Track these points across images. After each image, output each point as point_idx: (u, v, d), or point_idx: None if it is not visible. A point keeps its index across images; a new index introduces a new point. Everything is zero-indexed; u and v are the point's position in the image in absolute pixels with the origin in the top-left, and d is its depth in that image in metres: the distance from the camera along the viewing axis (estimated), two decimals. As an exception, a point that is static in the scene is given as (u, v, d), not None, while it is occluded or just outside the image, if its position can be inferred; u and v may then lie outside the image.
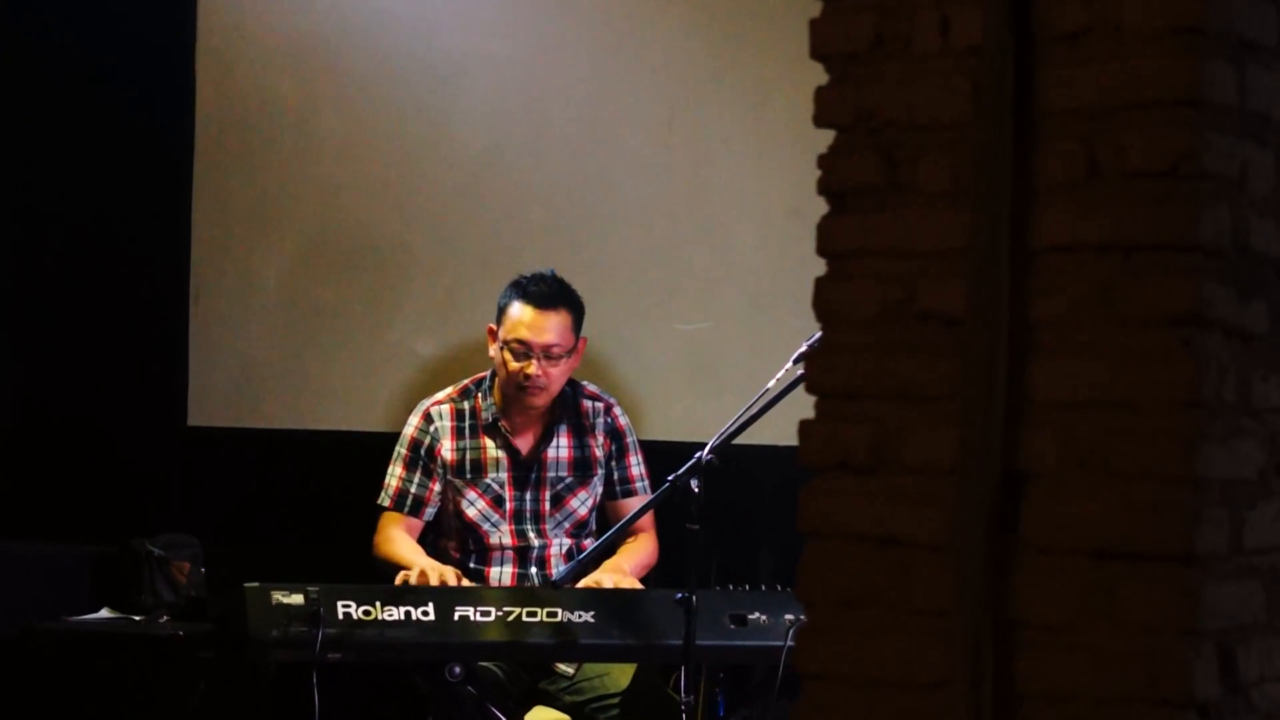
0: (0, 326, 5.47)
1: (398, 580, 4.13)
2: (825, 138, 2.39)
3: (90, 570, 5.00)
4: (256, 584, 3.87)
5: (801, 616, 3.95)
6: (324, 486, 5.20)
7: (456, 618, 3.93)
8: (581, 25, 5.11)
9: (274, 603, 3.84)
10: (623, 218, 5.09)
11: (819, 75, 2.40)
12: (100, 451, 5.40)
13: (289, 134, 5.24)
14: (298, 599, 3.86)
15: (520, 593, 4.10)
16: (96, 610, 4.91)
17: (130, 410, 5.39)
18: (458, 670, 3.97)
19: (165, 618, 4.82)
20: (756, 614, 4.07)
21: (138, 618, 4.83)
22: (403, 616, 3.91)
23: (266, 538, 5.13)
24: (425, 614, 3.92)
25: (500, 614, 3.95)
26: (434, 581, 4.08)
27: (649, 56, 5.06)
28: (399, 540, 4.39)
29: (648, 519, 4.44)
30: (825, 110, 2.34)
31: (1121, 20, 2.16)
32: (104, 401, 5.42)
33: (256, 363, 5.25)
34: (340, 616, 3.86)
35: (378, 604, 3.89)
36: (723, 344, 5.03)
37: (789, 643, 3.98)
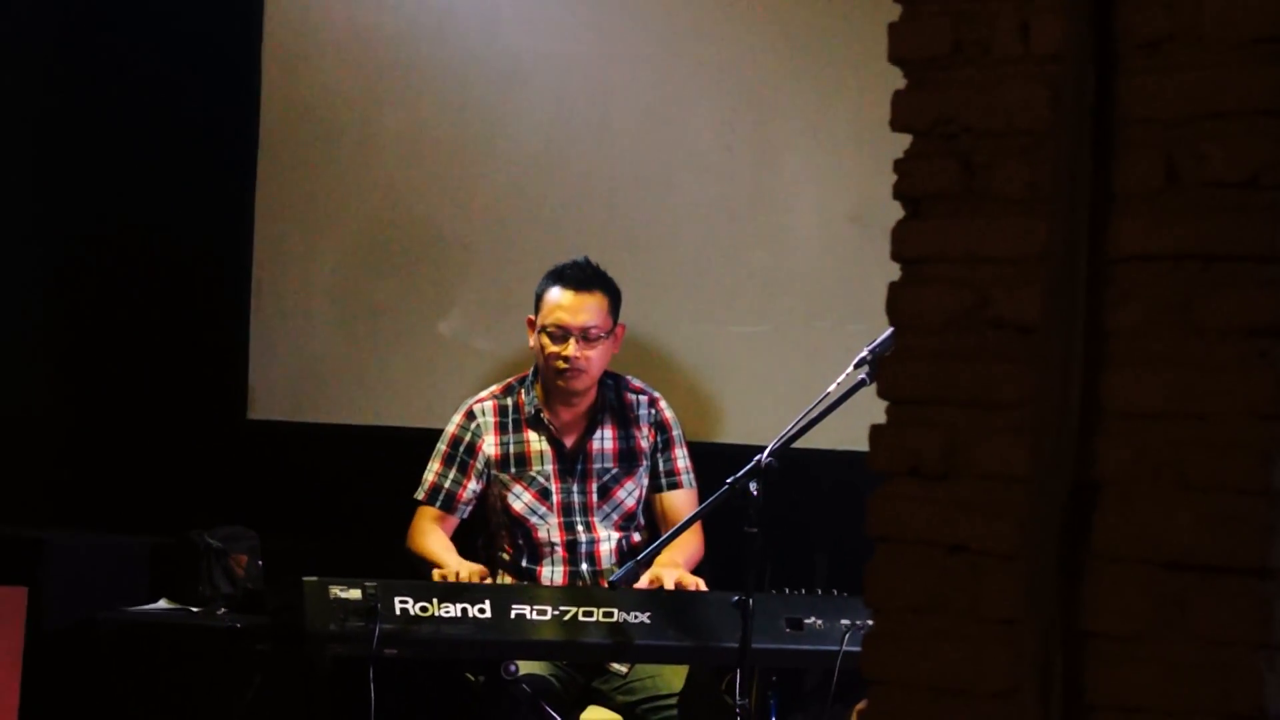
0: (63, 320, 5.51)
1: (435, 576, 4.18)
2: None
3: (149, 561, 5.03)
4: (315, 578, 3.89)
5: (858, 622, 3.99)
6: (382, 482, 5.21)
7: (513, 615, 3.94)
8: (645, 25, 5.11)
9: (332, 597, 3.86)
10: (682, 219, 5.09)
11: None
12: (161, 444, 5.43)
13: (352, 130, 5.26)
14: (355, 594, 3.88)
15: (576, 592, 4.10)
16: (155, 601, 4.95)
17: (191, 403, 5.43)
18: (513, 668, 3.98)
19: (222, 610, 4.85)
20: (813, 618, 4.07)
21: (195, 609, 4.86)
22: (459, 613, 3.92)
23: (324, 532, 5.16)
24: (481, 611, 3.93)
25: (556, 613, 3.97)
26: (464, 577, 4.13)
27: (712, 58, 5.06)
28: (430, 535, 4.41)
29: (690, 511, 4.43)
30: (902, 115, 2.32)
31: (1203, 29, 2.15)
32: (165, 394, 5.46)
33: (317, 357, 5.28)
34: (397, 612, 3.88)
35: (435, 600, 3.91)
36: (780, 348, 5.02)
37: (844, 648, 3.97)
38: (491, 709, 4.14)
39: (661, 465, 4.50)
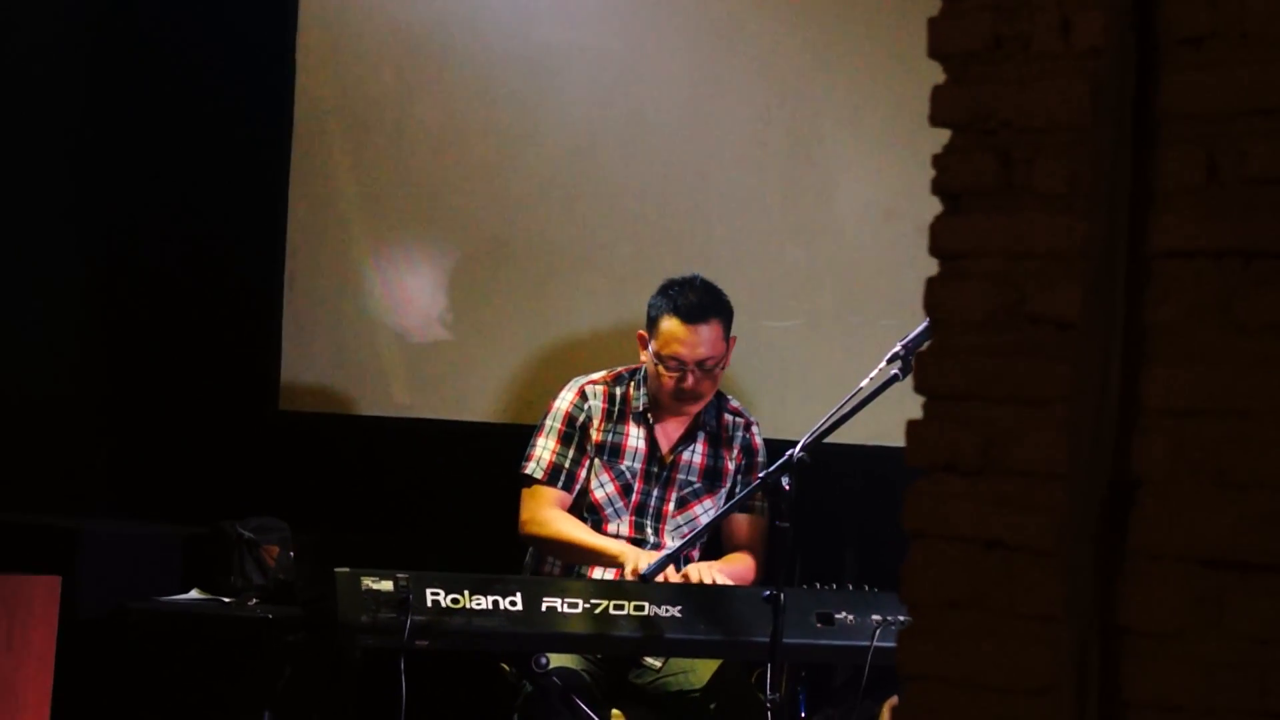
0: (97, 311, 5.54)
1: (628, 569, 4.13)
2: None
3: (182, 552, 5.05)
4: (347, 569, 3.89)
5: (889, 617, 3.98)
6: (414, 474, 5.22)
7: (544, 608, 3.94)
8: (680, 19, 5.11)
9: (364, 588, 3.86)
10: (716, 212, 5.09)
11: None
12: (193, 435, 5.45)
13: (385, 123, 5.27)
14: (387, 585, 3.88)
15: (608, 585, 4.10)
16: (187, 591, 4.96)
17: (223, 395, 5.45)
18: (544, 660, 3.97)
19: (254, 600, 4.86)
20: (843, 613, 4.06)
21: (227, 600, 4.88)
22: (491, 605, 3.92)
23: (355, 523, 5.17)
24: (513, 603, 3.93)
25: (588, 606, 3.96)
26: (632, 566, 4.10)
27: (747, 51, 5.06)
28: (564, 520, 4.34)
29: (754, 537, 4.40)
30: (942, 109, 2.32)
31: (1246, 25, 2.14)
32: (198, 386, 5.48)
33: (348, 350, 5.29)
34: (429, 604, 3.88)
35: (466, 592, 3.91)
36: (814, 342, 5.01)
37: (875, 643, 3.97)
38: (523, 701, 4.15)
39: (739, 487, 4.45)
